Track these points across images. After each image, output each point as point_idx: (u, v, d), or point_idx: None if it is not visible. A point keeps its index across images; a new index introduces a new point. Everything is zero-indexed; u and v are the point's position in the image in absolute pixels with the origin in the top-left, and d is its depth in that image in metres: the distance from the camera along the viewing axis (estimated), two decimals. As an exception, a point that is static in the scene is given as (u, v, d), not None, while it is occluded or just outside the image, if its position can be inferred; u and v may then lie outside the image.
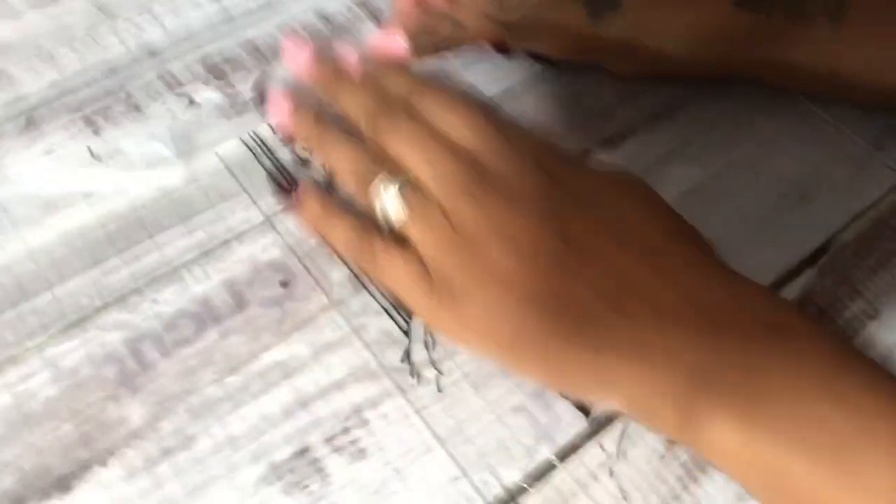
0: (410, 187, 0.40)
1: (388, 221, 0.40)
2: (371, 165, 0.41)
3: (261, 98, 0.49)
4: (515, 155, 0.40)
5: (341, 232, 0.42)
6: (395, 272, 0.40)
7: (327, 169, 0.47)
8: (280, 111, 0.46)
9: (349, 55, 0.46)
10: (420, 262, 0.39)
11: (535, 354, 0.38)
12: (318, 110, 0.45)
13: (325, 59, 0.46)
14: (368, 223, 0.41)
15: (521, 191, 0.39)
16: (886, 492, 0.31)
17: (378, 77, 0.45)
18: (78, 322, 0.44)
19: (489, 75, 0.56)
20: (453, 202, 0.39)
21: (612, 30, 0.50)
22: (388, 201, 0.40)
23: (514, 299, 0.37)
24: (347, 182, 0.43)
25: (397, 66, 0.46)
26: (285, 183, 0.49)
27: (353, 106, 0.44)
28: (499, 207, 0.38)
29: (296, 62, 0.47)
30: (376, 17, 0.59)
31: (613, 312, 0.37)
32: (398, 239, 0.40)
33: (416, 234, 0.39)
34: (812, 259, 0.48)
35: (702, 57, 0.53)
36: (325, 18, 0.59)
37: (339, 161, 0.43)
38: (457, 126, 0.41)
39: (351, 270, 0.46)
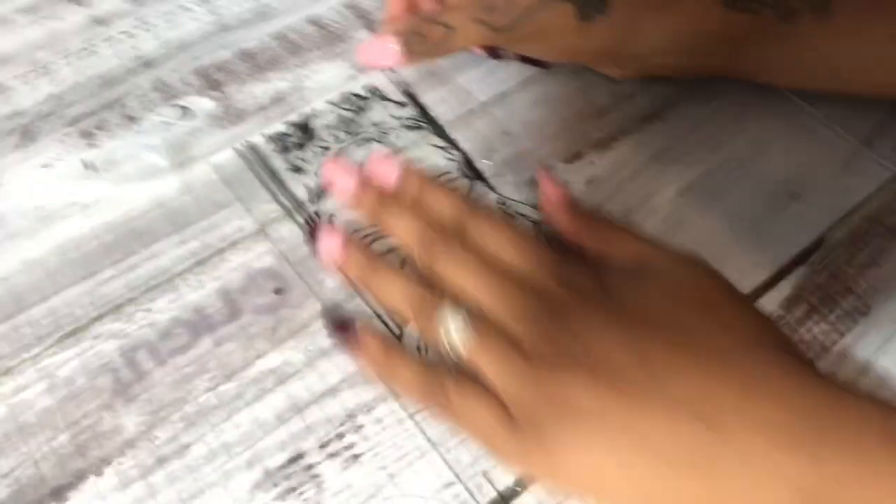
0: (476, 316, 0.39)
1: (455, 353, 0.39)
2: (430, 297, 0.41)
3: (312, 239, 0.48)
4: (580, 281, 0.40)
5: (408, 377, 0.41)
6: (473, 415, 0.38)
7: (382, 305, 0.46)
8: (331, 251, 0.46)
9: (390, 172, 0.47)
10: (497, 400, 0.38)
11: (642, 498, 0.36)
12: (366, 246, 0.47)
13: (369, 182, 0.47)
14: (434, 364, 0.41)
15: (592, 318, 0.38)
16: None
17: (425, 201, 0.45)
18: (73, 332, 0.44)
19: (481, 79, 0.56)
20: (525, 332, 0.38)
21: (601, 33, 0.50)
22: (455, 331, 0.39)
23: (609, 437, 0.35)
24: (404, 316, 0.44)
25: (442, 188, 0.46)
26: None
27: (404, 233, 0.45)
28: (572, 337, 0.37)
29: (339, 188, 0.48)
30: (369, 24, 0.60)
31: (714, 434, 0.34)
32: (469, 377, 0.39)
33: (488, 365, 0.38)
34: (803, 256, 0.48)
35: (690, 58, 0.53)
36: (318, 26, 0.59)
37: (394, 296, 0.43)
38: (513, 253, 0.41)
39: (346, 277, 0.47)
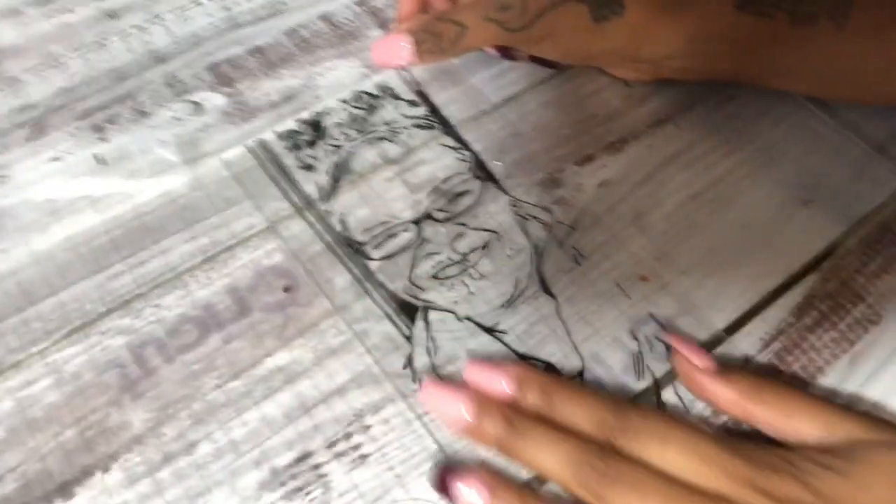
0: None
1: None
2: None
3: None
4: (786, 490, 0.35)
5: None
6: None
7: None
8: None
9: (495, 383, 0.41)
10: None
11: None
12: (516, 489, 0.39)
13: (481, 402, 0.40)
14: None
15: None
16: None
17: (552, 409, 0.40)
18: (81, 327, 0.44)
19: (493, 80, 0.56)
20: None
21: (615, 34, 0.50)
22: None
23: None
24: None
25: (573, 390, 0.41)
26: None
27: (548, 461, 0.38)
28: None
29: (449, 414, 0.40)
30: (381, 23, 0.60)
31: None
32: None
33: None
34: (815, 264, 0.48)
35: (703, 61, 0.52)
36: (331, 23, 0.59)
37: None
38: (690, 462, 0.36)
39: (353, 276, 0.47)
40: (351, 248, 0.48)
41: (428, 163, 0.51)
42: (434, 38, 0.47)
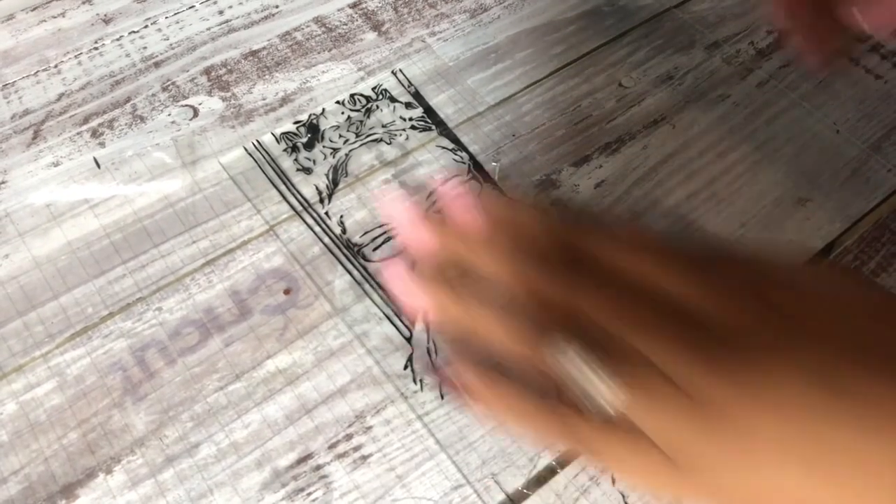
0: (607, 350, 0.32)
1: (603, 411, 0.32)
2: (545, 336, 0.33)
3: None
4: (737, 294, 0.33)
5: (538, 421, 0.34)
6: (624, 463, 0.33)
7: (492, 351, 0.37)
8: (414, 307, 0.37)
9: (465, 205, 0.38)
10: (646, 438, 0.32)
11: None
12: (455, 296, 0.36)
13: (437, 220, 0.37)
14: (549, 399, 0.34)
15: (760, 339, 0.32)
16: None
17: (507, 222, 0.36)
18: (83, 331, 0.44)
19: (489, 82, 0.56)
20: (682, 368, 0.32)
21: None
22: (600, 381, 0.32)
23: (795, 473, 0.31)
24: (515, 357, 0.35)
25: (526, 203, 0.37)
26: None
27: (499, 267, 0.35)
28: (741, 365, 0.31)
29: (412, 239, 0.37)
30: (375, 26, 0.60)
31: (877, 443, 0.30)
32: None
33: (640, 415, 0.32)
34: (813, 263, 0.48)
35: None
36: (325, 27, 0.59)
37: (498, 337, 0.35)
38: (643, 265, 0.34)
39: (352, 278, 0.47)
40: (350, 251, 0.48)
41: (425, 164, 0.51)
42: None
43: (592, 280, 0.33)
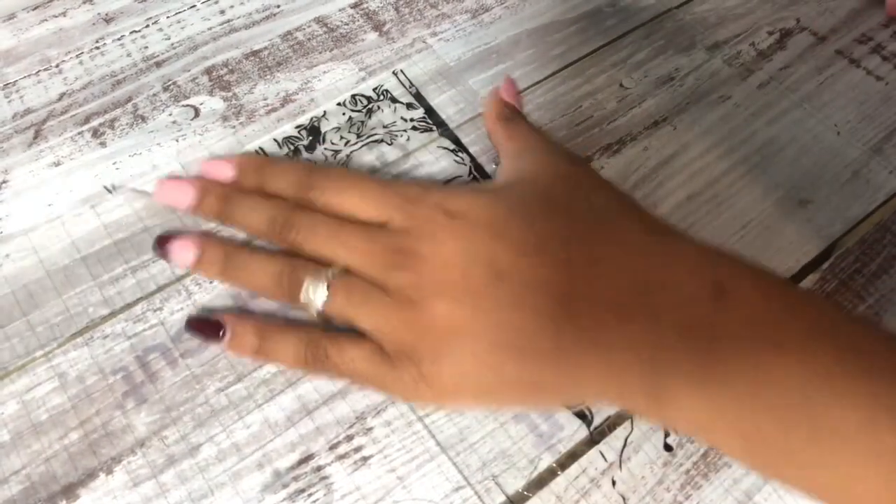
0: (340, 277, 0.42)
1: (322, 314, 0.42)
2: (290, 270, 0.43)
3: (162, 253, 0.46)
4: (424, 211, 0.42)
5: (287, 351, 0.42)
6: (353, 364, 0.41)
7: (251, 289, 0.46)
8: (184, 255, 0.45)
9: (225, 168, 0.48)
10: (372, 343, 0.40)
11: (511, 389, 0.39)
12: (219, 241, 0.46)
13: (205, 185, 0.47)
14: (309, 332, 0.43)
15: (440, 241, 0.40)
16: (853, 433, 0.32)
17: (267, 183, 0.47)
18: (85, 331, 0.44)
19: (490, 82, 0.56)
20: (385, 276, 0.40)
21: None
22: (316, 293, 0.41)
23: (471, 345, 0.38)
24: (272, 294, 0.44)
25: (280, 163, 0.48)
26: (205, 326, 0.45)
27: (253, 219, 0.45)
28: (424, 264, 0.40)
29: (178, 200, 0.47)
30: (377, 26, 0.60)
31: (570, 325, 0.37)
32: (343, 333, 0.42)
33: (355, 314, 0.41)
34: (814, 265, 0.48)
35: None
36: (326, 27, 0.59)
37: (259, 279, 0.44)
38: (358, 201, 0.43)
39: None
40: (351, 251, 0.48)
41: (426, 165, 0.51)
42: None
43: (325, 219, 0.44)
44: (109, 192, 0.50)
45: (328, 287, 0.41)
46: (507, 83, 0.53)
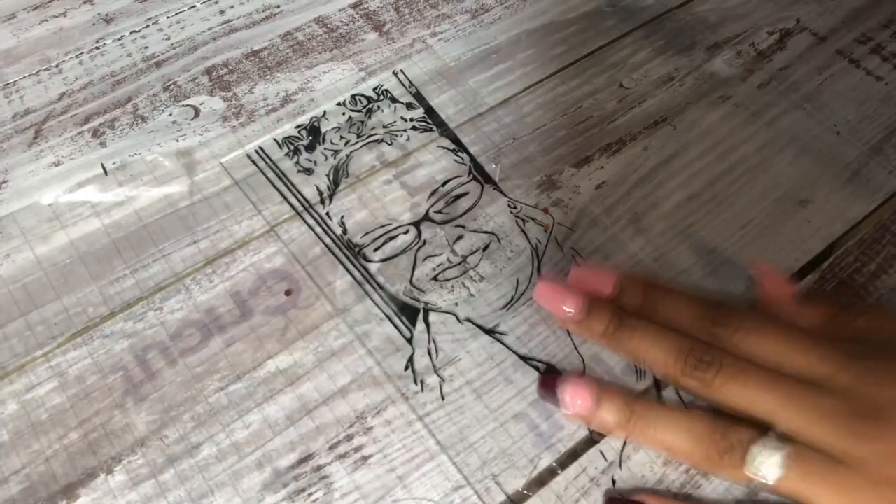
0: (793, 446, 0.36)
1: (767, 486, 0.36)
2: (726, 433, 0.37)
3: (548, 395, 0.42)
4: (882, 371, 0.36)
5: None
6: None
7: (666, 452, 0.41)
8: (580, 408, 0.41)
9: (604, 282, 0.43)
10: None
11: None
12: (619, 391, 0.41)
13: (590, 301, 0.42)
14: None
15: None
16: None
17: (658, 310, 0.41)
18: (85, 331, 0.44)
19: (489, 82, 0.56)
20: (845, 445, 0.35)
21: None
22: (771, 467, 0.36)
23: None
24: (692, 460, 0.39)
25: (673, 293, 0.43)
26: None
27: (651, 349, 0.40)
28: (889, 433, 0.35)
29: (557, 308, 0.43)
30: (377, 26, 0.60)
31: None
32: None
33: (812, 493, 0.36)
34: (813, 264, 0.48)
35: None
36: (326, 27, 0.59)
37: (675, 440, 0.39)
38: (791, 352, 0.37)
39: (353, 278, 0.47)
40: (351, 251, 0.48)
41: (426, 165, 0.51)
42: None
43: (758, 371, 0.37)
44: (106, 173, 0.50)
45: (783, 458, 0.36)
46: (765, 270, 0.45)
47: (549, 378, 0.42)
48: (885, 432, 0.35)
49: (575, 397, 0.40)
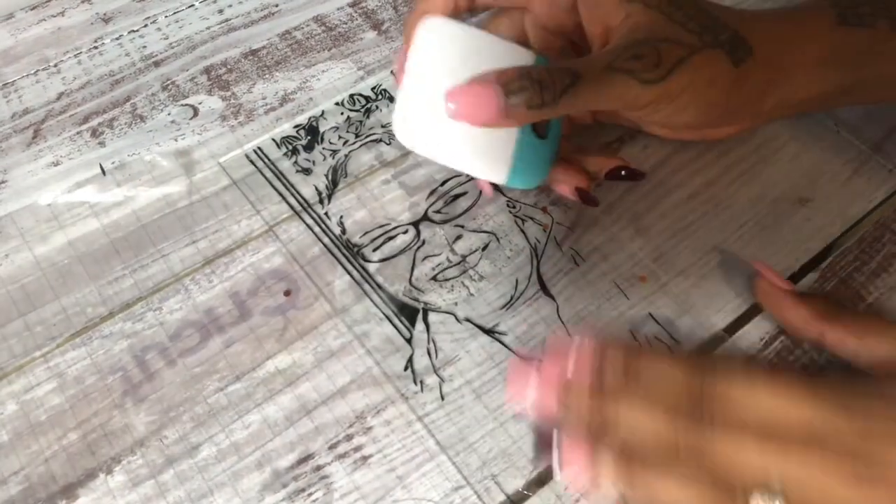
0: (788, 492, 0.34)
1: None
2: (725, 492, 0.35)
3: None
4: (878, 411, 0.35)
5: None
6: None
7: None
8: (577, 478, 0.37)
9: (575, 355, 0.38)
10: None
11: None
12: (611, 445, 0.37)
13: (560, 382, 0.37)
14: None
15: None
16: None
17: (640, 377, 0.37)
18: (83, 331, 0.44)
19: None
20: (847, 493, 0.34)
21: (753, 79, 0.45)
22: None
23: None
24: None
25: (652, 355, 0.38)
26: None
27: (637, 425, 0.36)
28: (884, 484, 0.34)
29: (532, 400, 0.37)
30: (375, 25, 0.60)
31: None
32: None
33: None
34: (813, 263, 0.48)
35: (821, 84, 0.47)
36: (325, 26, 0.59)
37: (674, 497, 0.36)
38: (781, 407, 0.35)
39: (352, 278, 0.47)
40: (350, 251, 0.48)
41: (425, 165, 0.51)
42: (534, 87, 0.39)
43: (754, 433, 0.35)
44: (104, 173, 0.50)
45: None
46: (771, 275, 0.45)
47: (546, 435, 0.41)
48: (884, 475, 0.34)
49: (570, 464, 0.37)
